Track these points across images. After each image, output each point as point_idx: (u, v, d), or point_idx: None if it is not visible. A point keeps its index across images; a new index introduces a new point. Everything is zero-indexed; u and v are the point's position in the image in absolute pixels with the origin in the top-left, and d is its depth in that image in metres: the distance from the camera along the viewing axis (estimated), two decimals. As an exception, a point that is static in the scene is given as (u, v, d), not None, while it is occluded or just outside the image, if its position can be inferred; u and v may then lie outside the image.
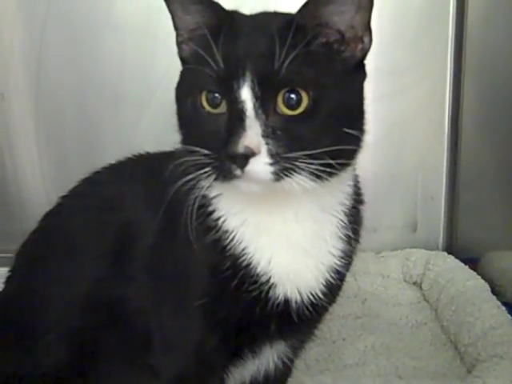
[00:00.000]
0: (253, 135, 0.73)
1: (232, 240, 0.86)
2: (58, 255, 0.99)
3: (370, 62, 1.61)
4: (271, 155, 0.74)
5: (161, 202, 0.87)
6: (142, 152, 1.09)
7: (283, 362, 1.02)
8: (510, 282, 1.49)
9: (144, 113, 1.70)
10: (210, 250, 0.86)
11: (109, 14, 1.64)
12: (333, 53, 0.80)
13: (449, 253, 1.66)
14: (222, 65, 0.76)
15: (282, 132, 0.75)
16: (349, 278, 1.00)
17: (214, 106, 0.78)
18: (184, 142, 0.83)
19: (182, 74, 0.86)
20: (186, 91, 0.82)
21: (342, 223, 0.90)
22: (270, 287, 0.86)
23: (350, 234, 0.91)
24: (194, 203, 0.81)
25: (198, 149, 0.77)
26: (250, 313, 0.86)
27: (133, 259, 0.94)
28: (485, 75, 1.64)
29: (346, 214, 0.90)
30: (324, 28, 0.78)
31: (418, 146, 1.74)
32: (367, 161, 1.71)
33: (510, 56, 1.54)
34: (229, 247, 0.86)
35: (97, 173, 1.07)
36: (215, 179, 0.77)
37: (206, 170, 0.77)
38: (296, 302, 0.88)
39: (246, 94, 0.74)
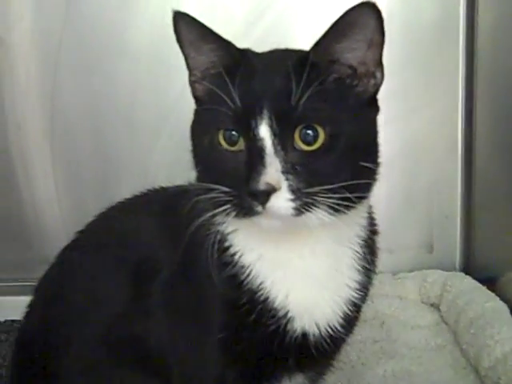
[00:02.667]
0: (273, 172, 0.74)
1: (249, 275, 0.86)
2: (76, 291, 1.00)
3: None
4: (292, 191, 0.75)
5: (177, 237, 0.88)
6: (156, 186, 1.10)
7: None
8: (530, 302, 1.47)
9: (157, 139, 1.71)
10: (227, 285, 0.86)
11: (123, 41, 1.67)
12: (346, 88, 0.81)
13: (466, 273, 1.65)
14: (239, 103, 0.77)
15: (300, 167, 0.76)
16: (366, 300, 1.00)
17: (232, 143, 0.79)
18: (201, 179, 0.84)
19: (197, 113, 0.87)
20: (202, 130, 0.83)
21: (358, 255, 0.90)
22: (287, 321, 0.86)
23: (367, 265, 0.91)
24: (213, 240, 0.82)
25: (216, 186, 0.78)
26: (268, 346, 0.87)
27: (150, 295, 0.94)
28: (497, 94, 1.63)
29: (362, 246, 0.90)
30: (336, 64, 0.80)
31: (432, 166, 1.74)
32: (381, 182, 1.67)
33: (522, 74, 1.54)
34: (245, 282, 0.86)
35: (112, 208, 1.08)
36: (235, 216, 0.78)
37: (226, 207, 0.78)
38: (314, 335, 0.88)
39: (264, 131, 0.76)
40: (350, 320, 0.92)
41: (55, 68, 1.68)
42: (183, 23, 0.81)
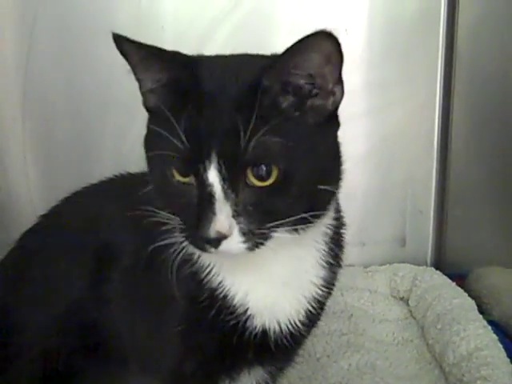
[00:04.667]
0: (223, 219, 0.72)
1: (209, 274, 0.85)
2: (35, 275, 0.99)
3: (360, 76, 1.63)
4: (243, 233, 0.73)
5: (139, 226, 0.86)
6: (128, 170, 1.08)
7: None
8: (498, 300, 1.48)
9: (132, 122, 1.68)
10: (188, 282, 0.85)
11: (100, 20, 1.62)
12: (302, 105, 0.76)
13: (437, 268, 1.64)
14: (186, 143, 0.72)
15: (253, 207, 0.73)
16: (335, 292, 1.00)
17: (185, 175, 0.75)
18: (156, 202, 0.81)
19: (149, 132, 0.81)
20: (154, 156, 0.79)
21: (324, 252, 0.89)
22: (247, 318, 0.86)
23: (332, 260, 0.90)
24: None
25: (170, 216, 0.77)
26: (227, 341, 0.86)
27: (109, 281, 0.93)
28: (475, 90, 1.63)
29: (327, 242, 0.89)
30: (292, 79, 0.75)
31: (408, 161, 1.73)
32: (356, 175, 1.70)
33: (500, 71, 1.53)
34: (205, 280, 0.85)
35: (77, 193, 1.06)
36: (190, 244, 0.77)
37: (181, 235, 0.77)
38: (274, 333, 0.88)
39: (213, 176, 0.72)
40: (313, 317, 0.92)
41: (30, 46, 1.64)
42: (124, 46, 0.76)
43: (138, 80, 0.81)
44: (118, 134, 1.71)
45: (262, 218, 0.74)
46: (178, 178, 0.75)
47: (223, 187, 0.72)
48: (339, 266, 0.94)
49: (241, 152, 0.71)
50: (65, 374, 0.94)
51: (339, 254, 0.93)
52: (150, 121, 0.82)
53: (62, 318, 0.94)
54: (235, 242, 0.73)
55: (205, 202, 0.72)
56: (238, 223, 0.73)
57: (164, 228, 0.79)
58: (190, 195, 0.74)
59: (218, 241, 0.72)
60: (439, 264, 1.75)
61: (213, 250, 0.73)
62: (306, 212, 0.75)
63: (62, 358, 0.94)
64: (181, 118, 0.73)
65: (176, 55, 0.79)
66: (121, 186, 1.05)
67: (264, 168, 0.72)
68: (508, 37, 1.49)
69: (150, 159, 0.81)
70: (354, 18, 1.60)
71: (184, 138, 0.72)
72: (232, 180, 0.72)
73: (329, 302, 0.98)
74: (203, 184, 0.73)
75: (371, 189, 1.73)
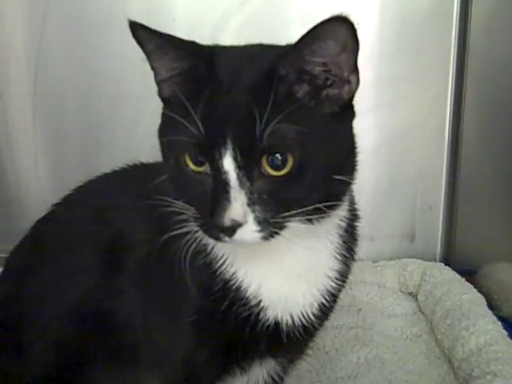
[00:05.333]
0: (238, 207, 0.71)
1: (222, 264, 0.85)
2: (48, 264, 0.98)
3: (371, 71, 1.62)
4: (258, 222, 0.72)
5: (152, 216, 0.86)
6: (136, 162, 1.07)
7: (273, 379, 1.01)
8: (507, 296, 1.47)
9: (142, 114, 1.68)
10: (201, 272, 0.85)
11: (109, 14, 1.63)
12: (319, 94, 0.75)
13: (446, 264, 1.64)
14: (202, 130, 0.72)
15: (268, 196, 0.73)
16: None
17: (199, 165, 0.75)
18: (169, 191, 0.80)
19: (164, 120, 0.81)
20: (168, 144, 0.79)
21: (338, 244, 0.89)
22: (260, 310, 0.85)
23: (346, 253, 0.90)
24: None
25: (184, 205, 0.77)
26: (239, 332, 0.86)
27: (122, 271, 0.92)
28: (486, 86, 1.62)
29: (341, 235, 0.89)
30: (307, 67, 0.74)
31: (418, 156, 1.73)
32: (366, 169, 1.67)
33: (513, 67, 1.53)
34: (219, 271, 0.85)
35: (90, 182, 1.05)
36: (203, 233, 0.77)
37: (195, 224, 0.77)
38: (287, 325, 0.87)
39: (228, 164, 0.72)
40: (326, 309, 0.91)
41: (40, 39, 1.65)
42: (140, 34, 0.76)
43: (153, 68, 0.80)
44: (128, 127, 1.72)
45: (277, 208, 0.73)
46: (192, 167, 0.75)
47: (238, 175, 0.72)
48: (353, 258, 0.93)
49: (256, 140, 0.71)
50: (77, 363, 0.93)
51: (353, 246, 0.92)
52: (165, 109, 0.81)
53: (75, 307, 0.94)
54: (250, 231, 0.72)
55: (219, 190, 0.72)
56: (253, 211, 0.72)
57: (178, 218, 0.79)
58: (204, 184, 0.74)
59: (232, 229, 0.72)
60: (448, 260, 1.74)
61: (227, 238, 0.73)
62: (320, 202, 0.75)
63: (74, 347, 0.94)
64: (197, 106, 0.72)
65: (192, 44, 0.79)
66: (133, 176, 1.04)
67: (279, 157, 0.72)
68: (521, 32, 1.49)
69: (164, 148, 0.81)
70: (366, 12, 1.60)
71: (200, 125, 0.72)
72: (247, 168, 0.72)
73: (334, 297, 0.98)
74: (218, 171, 0.72)
75: (381, 183, 1.73)
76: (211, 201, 0.72)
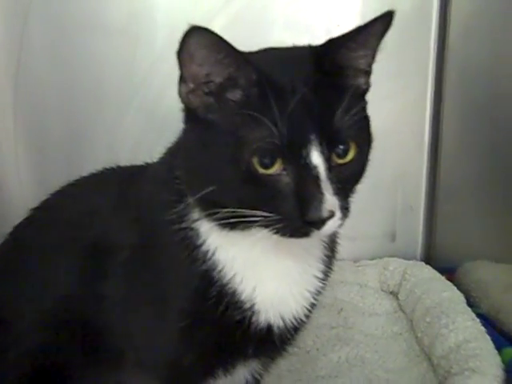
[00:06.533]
0: (330, 197, 0.73)
1: (220, 271, 0.85)
2: (26, 269, 0.97)
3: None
4: (341, 210, 0.75)
5: (136, 220, 0.87)
6: (117, 164, 1.08)
7: (254, 378, 1.02)
8: (486, 294, 1.49)
9: (123, 116, 1.68)
10: (197, 279, 0.85)
11: (90, 16, 1.62)
12: (362, 83, 0.83)
13: (427, 263, 1.65)
14: (284, 130, 0.73)
15: (341, 184, 0.76)
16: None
17: (267, 167, 0.75)
18: (222, 203, 0.77)
19: (202, 133, 0.79)
20: (220, 154, 0.76)
21: (325, 244, 0.91)
22: (253, 313, 0.86)
23: (330, 253, 0.92)
24: (185, 236, 0.83)
25: (252, 212, 0.75)
26: (230, 336, 0.86)
27: (105, 276, 0.91)
28: (466, 86, 1.63)
29: (328, 234, 0.90)
30: (352, 71, 0.81)
31: (398, 156, 1.73)
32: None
33: (492, 68, 1.55)
34: (216, 278, 0.85)
35: (69, 185, 1.05)
36: (276, 234, 0.76)
37: (269, 229, 0.76)
38: (279, 328, 0.88)
39: (316, 158, 0.74)
40: (312, 309, 0.93)
41: (21, 41, 1.63)
42: (200, 38, 0.72)
43: (184, 74, 0.77)
44: (110, 129, 1.70)
45: (346, 194, 0.78)
46: (262, 171, 0.74)
47: (325, 168, 0.74)
48: (335, 257, 0.95)
49: (334, 131, 0.75)
50: (55, 370, 0.92)
51: (334, 246, 0.95)
52: (191, 120, 0.81)
53: (53, 313, 0.93)
54: (337, 219, 0.75)
55: (309, 186, 0.73)
56: (339, 200, 0.75)
57: (167, 219, 0.81)
58: (278, 186, 0.75)
59: (324, 221, 0.73)
60: (429, 259, 1.75)
61: (316, 232, 0.75)
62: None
63: (53, 354, 0.93)
64: (269, 110, 0.73)
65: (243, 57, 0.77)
66: (113, 179, 1.04)
67: (344, 146, 0.77)
68: (500, 33, 1.50)
69: (211, 159, 0.77)
70: (347, 13, 1.60)
71: (280, 126, 0.73)
72: (327, 160, 0.75)
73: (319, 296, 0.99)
74: (304, 168, 0.74)
75: (362, 184, 1.73)
76: (299, 198, 0.74)
